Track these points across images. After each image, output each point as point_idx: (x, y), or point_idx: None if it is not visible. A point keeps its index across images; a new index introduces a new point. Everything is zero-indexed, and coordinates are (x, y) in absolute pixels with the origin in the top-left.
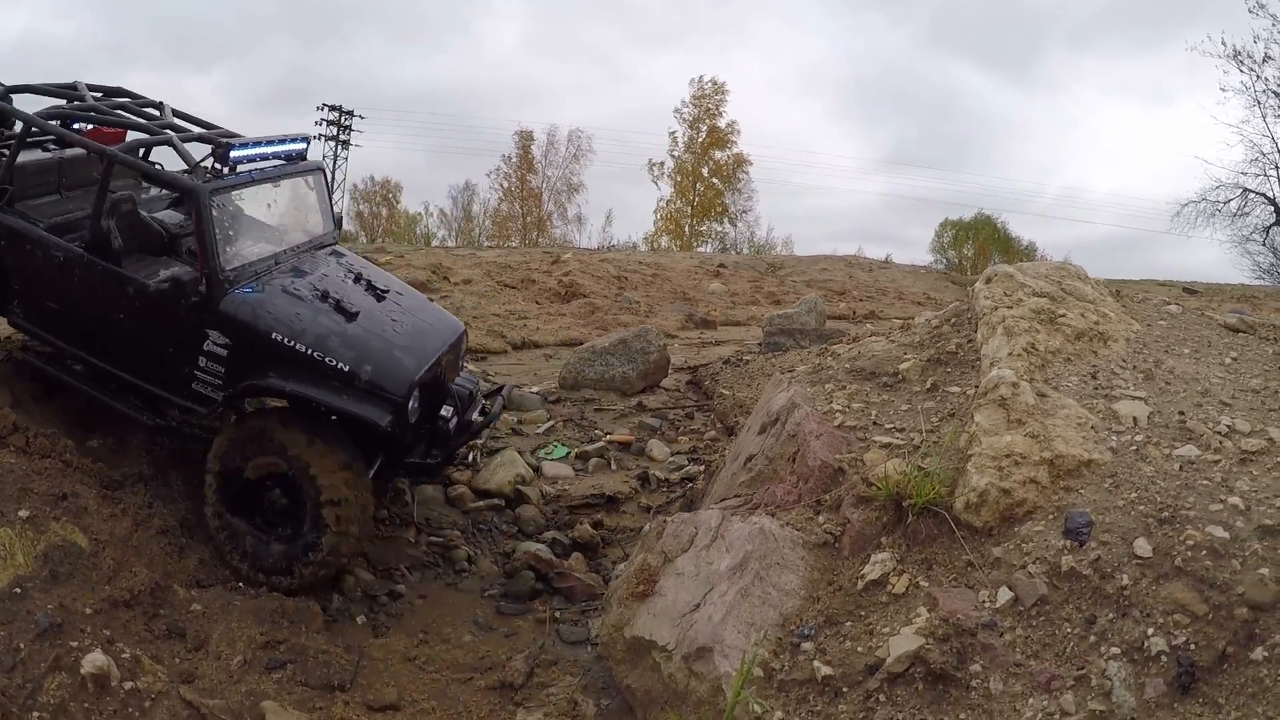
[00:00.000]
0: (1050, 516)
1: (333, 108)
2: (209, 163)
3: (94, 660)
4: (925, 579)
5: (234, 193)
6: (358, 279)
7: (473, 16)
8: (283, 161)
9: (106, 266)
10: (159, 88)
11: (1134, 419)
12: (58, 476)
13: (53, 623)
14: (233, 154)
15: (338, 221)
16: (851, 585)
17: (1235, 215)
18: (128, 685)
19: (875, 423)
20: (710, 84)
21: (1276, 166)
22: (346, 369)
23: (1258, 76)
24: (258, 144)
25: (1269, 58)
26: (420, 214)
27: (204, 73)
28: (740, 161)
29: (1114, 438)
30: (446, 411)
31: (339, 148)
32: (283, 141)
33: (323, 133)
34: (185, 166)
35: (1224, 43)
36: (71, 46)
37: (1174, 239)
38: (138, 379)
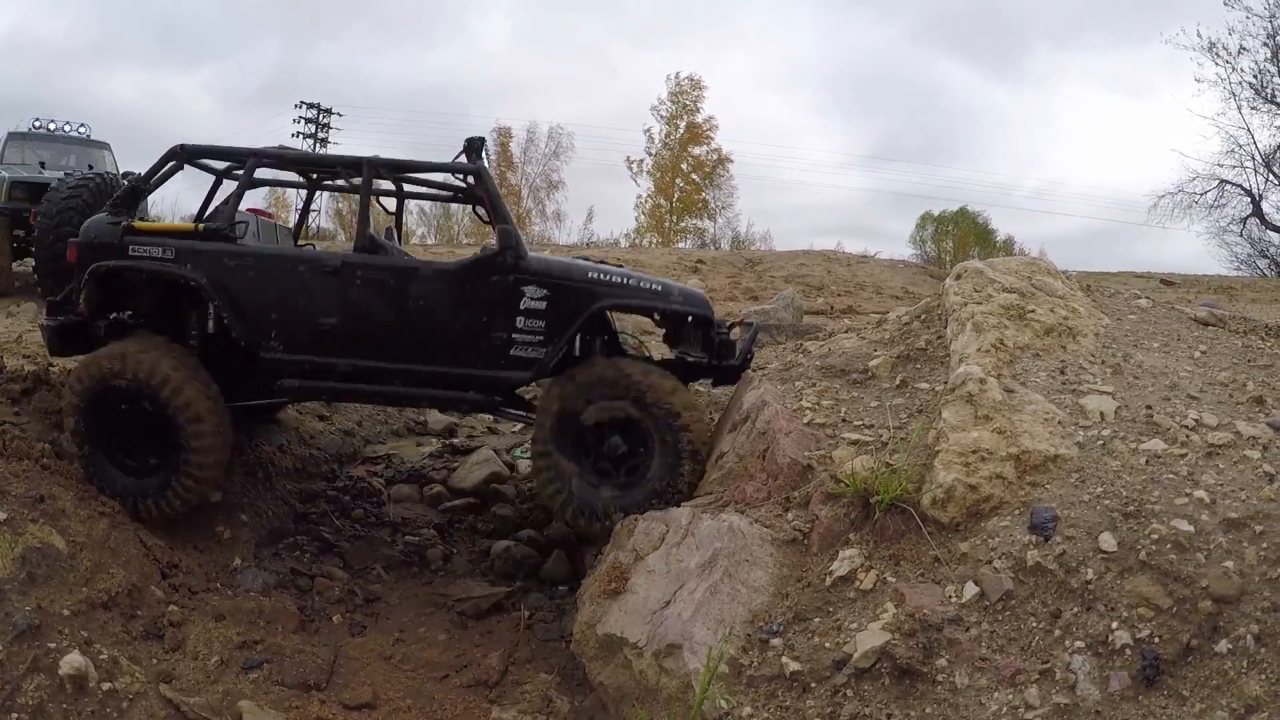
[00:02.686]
0: (1016, 512)
1: (310, 105)
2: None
3: (72, 661)
4: (893, 575)
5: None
6: None
7: (465, 11)
8: None
9: (395, 263)
10: (147, 87)
11: (1101, 414)
12: (35, 479)
13: (30, 624)
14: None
15: None
16: (820, 581)
17: (1212, 207)
18: (105, 686)
19: (845, 420)
20: (688, 80)
21: (1253, 157)
22: (660, 288)
23: (1233, 69)
24: None
25: (1244, 49)
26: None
27: (192, 71)
28: (721, 158)
29: (1081, 433)
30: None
31: (317, 145)
32: None
33: (300, 130)
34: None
35: (1199, 35)
36: (61, 45)
37: (1154, 232)
38: (443, 367)
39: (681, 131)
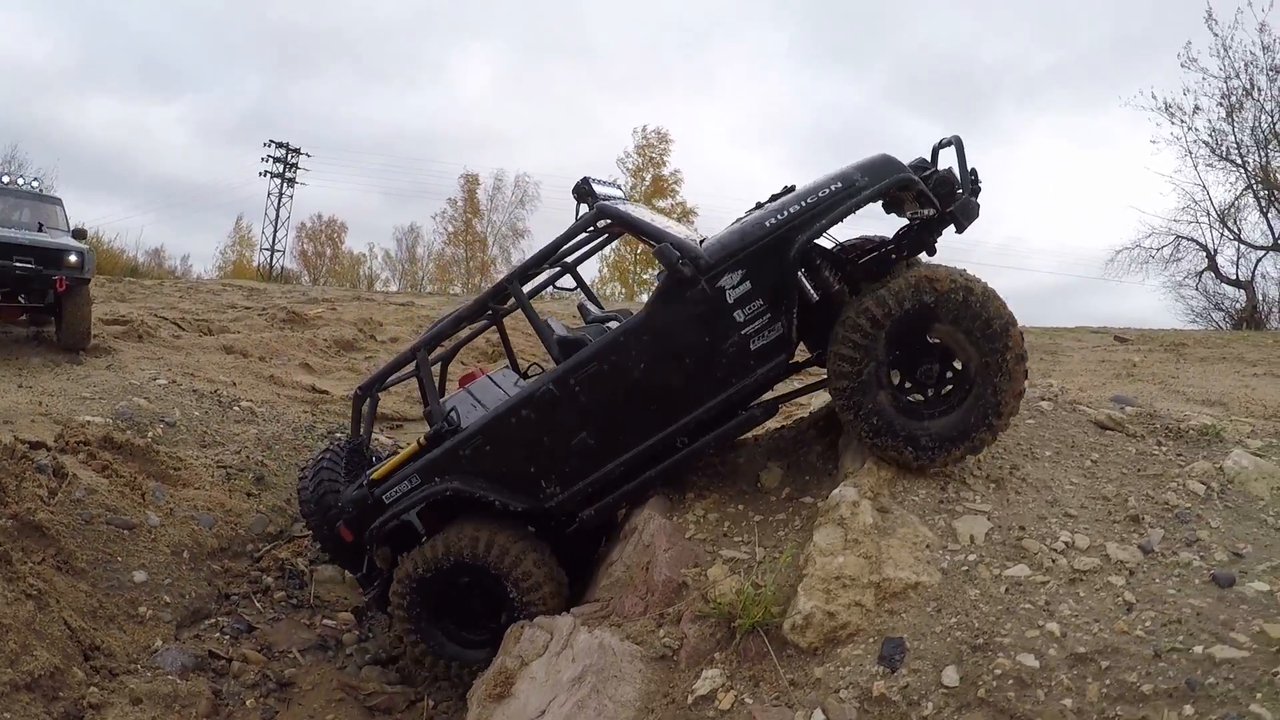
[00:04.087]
0: (870, 640)
1: (280, 144)
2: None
3: None
4: (750, 696)
5: None
6: None
7: (446, 57)
8: None
9: (597, 350)
10: (123, 116)
11: (971, 537)
12: None
13: None
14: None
15: None
16: (683, 699)
17: (1169, 261)
18: None
19: (726, 535)
20: (654, 133)
21: (1208, 213)
22: (839, 185)
23: (1189, 128)
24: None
25: (1198, 109)
26: (365, 255)
27: (170, 103)
28: (685, 211)
29: (948, 558)
30: None
31: (284, 185)
32: None
33: (268, 169)
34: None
35: (1154, 96)
36: (43, 69)
37: (1113, 286)
38: (708, 403)
39: (647, 184)
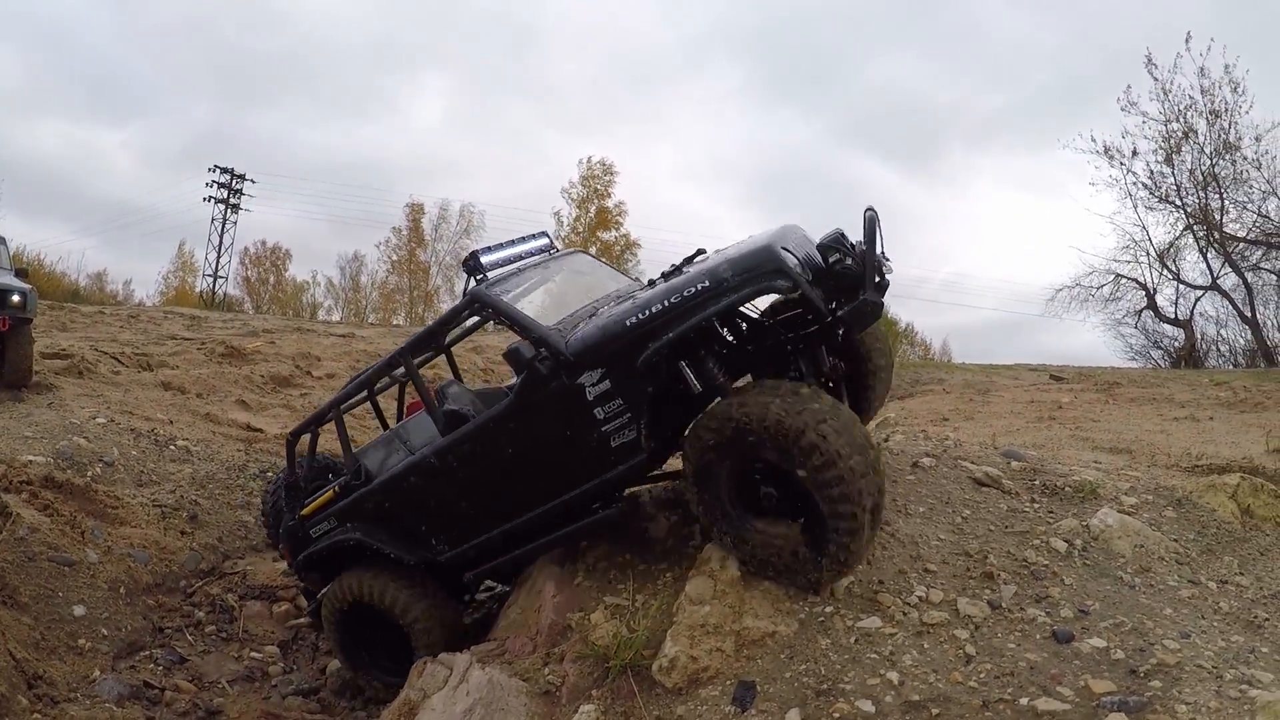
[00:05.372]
0: (727, 682)
1: (224, 170)
2: None
3: None
4: None
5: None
6: None
7: (399, 89)
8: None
9: (471, 431)
10: (70, 139)
11: (832, 591)
12: None
13: None
14: None
15: None
16: None
17: (1108, 300)
18: None
19: (611, 583)
20: (599, 165)
21: (1148, 253)
22: (706, 284)
23: (1127, 170)
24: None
25: (1136, 152)
26: (308, 283)
27: (118, 128)
28: (629, 244)
29: (806, 609)
30: None
31: (228, 211)
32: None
33: (211, 195)
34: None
35: (1093, 139)
36: None
37: (1056, 323)
38: (574, 491)
39: (591, 215)
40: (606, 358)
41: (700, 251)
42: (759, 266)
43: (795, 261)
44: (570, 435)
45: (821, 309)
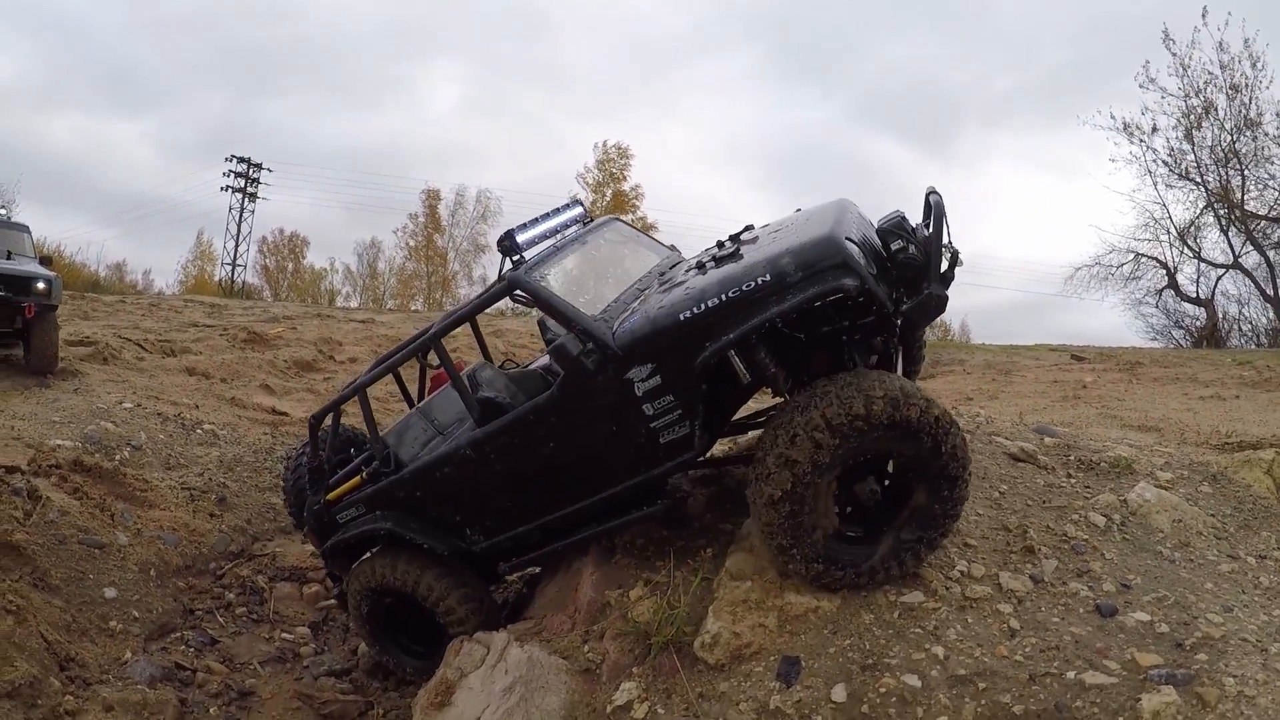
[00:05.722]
0: (771, 658)
1: (241, 159)
2: None
3: None
4: (662, 707)
5: None
6: None
7: (414, 76)
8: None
9: (509, 423)
10: (88, 132)
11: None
12: None
13: None
14: None
15: None
16: (603, 709)
17: (1128, 279)
18: None
19: (649, 559)
20: (615, 148)
21: (1168, 231)
22: (769, 273)
23: (1147, 147)
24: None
25: (1156, 128)
26: (326, 270)
27: (136, 118)
28: (646, 227)
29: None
30: None
31: (245, 200)
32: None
33: (229, 184)
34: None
35: (1112, 116)
36: (9, 84)
37: (1078, 303)
38: (619, 486)
39: (608, 199)
40: (657, 352)
41: (749, 227)
42: (822, 260)
43: (859, 254)
44: (616, 431)
45: (889, 307)
